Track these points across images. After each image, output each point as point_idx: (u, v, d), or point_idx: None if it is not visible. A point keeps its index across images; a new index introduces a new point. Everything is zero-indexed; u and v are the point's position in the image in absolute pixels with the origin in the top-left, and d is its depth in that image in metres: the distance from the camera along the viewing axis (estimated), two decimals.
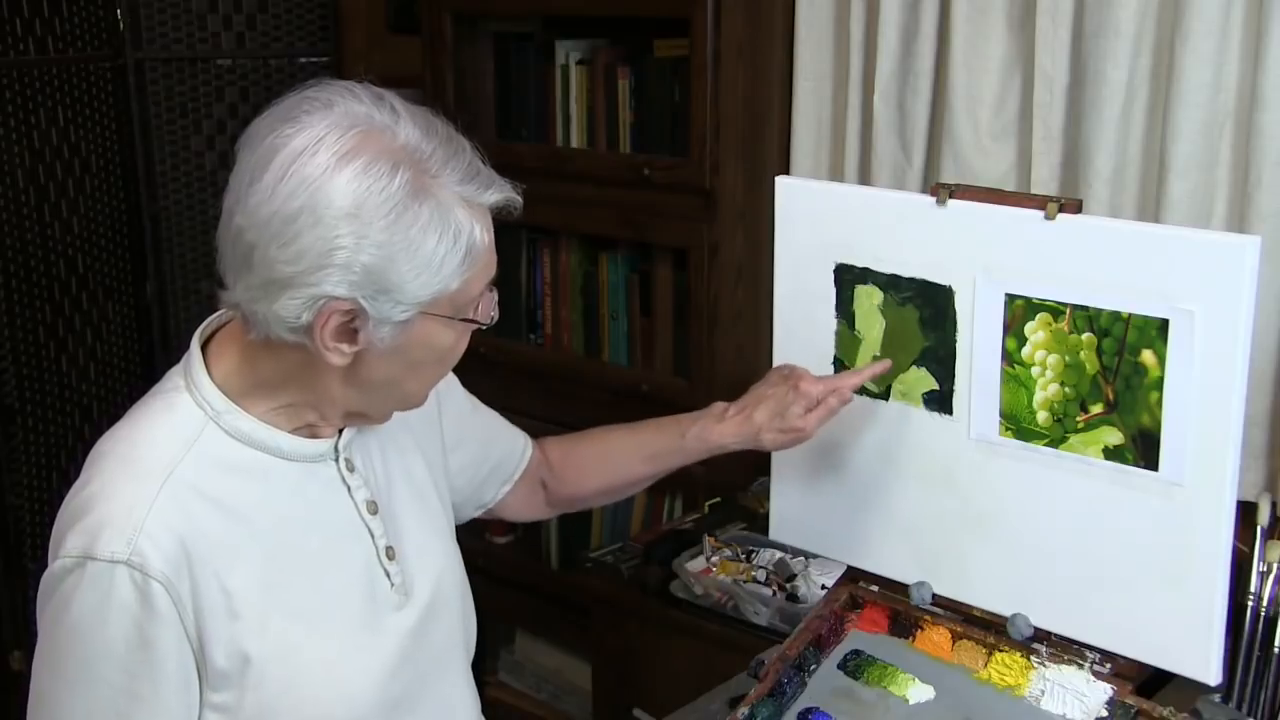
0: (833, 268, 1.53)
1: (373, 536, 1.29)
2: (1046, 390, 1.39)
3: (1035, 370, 1.40)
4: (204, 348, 1.24)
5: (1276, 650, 1.59)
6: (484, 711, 1.44)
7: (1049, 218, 1.36)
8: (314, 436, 1.26)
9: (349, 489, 1.28)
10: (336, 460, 1.27)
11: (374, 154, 1.10)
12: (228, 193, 1.14)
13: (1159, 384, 1.31)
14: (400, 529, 1.33)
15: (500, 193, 1.18)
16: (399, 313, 1.14)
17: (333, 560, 1.26)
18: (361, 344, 1.15)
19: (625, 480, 1.65)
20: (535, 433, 1.65)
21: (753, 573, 2.10)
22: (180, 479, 1.17)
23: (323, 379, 1.20)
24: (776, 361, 1.62)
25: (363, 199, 1.09)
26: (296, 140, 1.10)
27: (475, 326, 1.22)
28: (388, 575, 1.29)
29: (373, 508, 1.29)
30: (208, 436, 1.20)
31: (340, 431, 1.28)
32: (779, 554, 2.12)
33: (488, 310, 1.22)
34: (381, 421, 1.30)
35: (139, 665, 1.15)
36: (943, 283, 1.45)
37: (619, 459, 1.63)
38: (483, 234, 1.16)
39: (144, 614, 1.14)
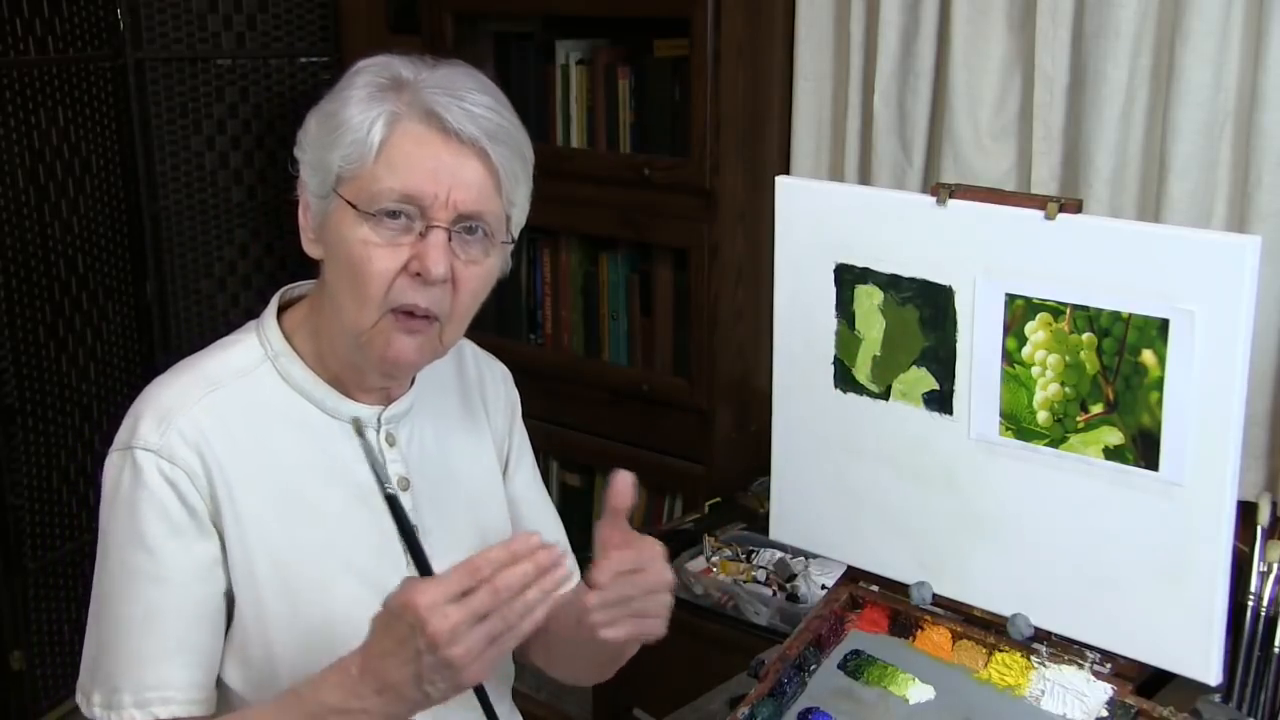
0: (833, 268, 1.53)
1: None
2: (1047, 390, 1.39)
3: (1035, 370, 1.40)
4: (289, 306, 1.35)
5: (1276, 650, 1.59)
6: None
7: (1049, 218, 1.36)
8: (349, 398, 1.31)
9: (384, 461, 1.31)
10: (378, 430, 1.32)
11: (379, 58, 1.26)
12: None
13: (1159, 384, 1.31)
14: (434, 515, 1.35)
15: (440, 97, 1.22)
16: (317, 184, 1.24)
17: (348, 522, 1.30)
18: (313, 231, 1.26)
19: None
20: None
21: (753, 573, 2.11)
22: (225, 397, 1.26)
23: (325, 301, 1.28)
24: (776, 362, 1.61)
25: (339, 84, 1.26)
26: None
27: (386, 231, 1.21)
28: (404, 553, 1.30)
29: (404, 484, 1.33)
30: (262, 373, 1.29)
31: (388, 405, 1.33)
32: (779, 554, 2.12)
33: (427, 252, 1.20)
34: (377, 380, 1.31)
35: (168, 552, 1.22)
36: (943, 283, 1.45)
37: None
38: (401, 124, 1.21)
39: (174, 501, 1.22)
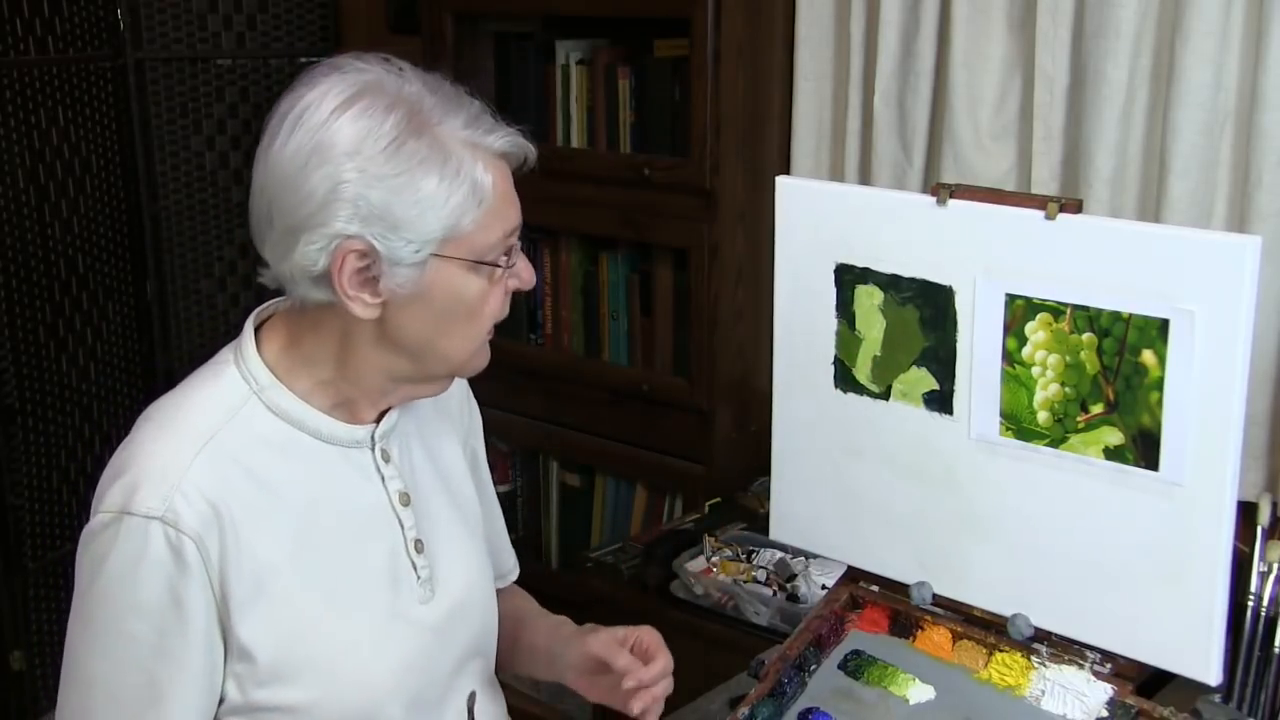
0: (833, 268, 1.53)
1: (402, 527, 1.30)
2: (1047, 390, 1.39)
3: (1035, 370, 1.40)
4: (258, 330, 1.28)
5: (1276, 650, 1.59)
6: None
7: (1049, 218, 1.36)
8: (354, 420, 1.28)
9: (383, 478, 1.30)
10: (373, 449, 1.30)
11: (373, 98, 1.17)
12: (254, 165, 1.21)
13: (1159, 384, 1.31)
14: (432, 524, 1.34)
15: (506, 138, 1.22)
16: (411, 252, 1.17)
17: (360, 546, 1.28)
18: (384, 293, 1.18)
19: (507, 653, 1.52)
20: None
21: (753, 573, 2.11)
22: (219, 446, 1.21)
23: (358, 346, 1.23)
24: (776, 362, 1.61)
25: (363, 137, 1.15)
26: (306, 97, 1.18)
27: (499, 272, 1.23)
28: (415, 568, 1.31)
29: (405, 499, 1.31)
30: (249, 409, 1.24)
31: (379, 421, 1.30)
32: (779, 554, 2.12)
33: (523, 269, 1.26)
34: (435, 390, 1.31)
35: (170, 622, 1.18)
36: (943, 283, 1.45)
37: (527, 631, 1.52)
38: (486, 174, 1.19)
39: (176, 571, 1.17)
